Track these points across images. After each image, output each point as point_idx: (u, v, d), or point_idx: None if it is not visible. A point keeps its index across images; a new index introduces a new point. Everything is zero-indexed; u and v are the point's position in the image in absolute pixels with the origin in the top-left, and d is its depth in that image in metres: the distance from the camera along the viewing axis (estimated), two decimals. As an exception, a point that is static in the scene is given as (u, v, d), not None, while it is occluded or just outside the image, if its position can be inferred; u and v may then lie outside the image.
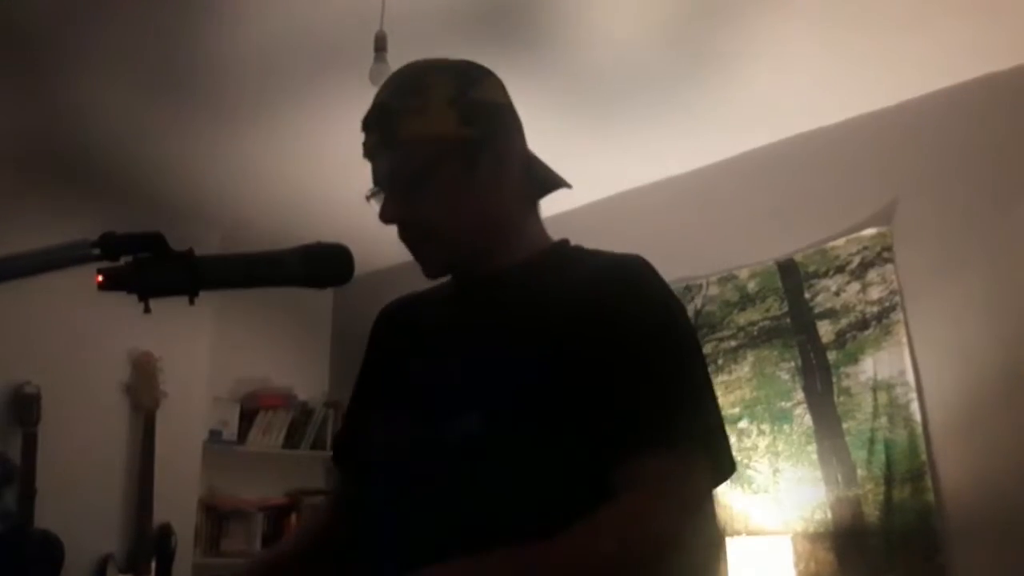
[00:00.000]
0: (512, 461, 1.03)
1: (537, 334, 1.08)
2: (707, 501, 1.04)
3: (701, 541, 1.02)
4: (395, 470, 1.13)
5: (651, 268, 1.13)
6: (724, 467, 1.06)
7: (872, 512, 3.09)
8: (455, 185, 1.15)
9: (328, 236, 1.16)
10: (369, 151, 1.19)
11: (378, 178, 1.18)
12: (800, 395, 3.35)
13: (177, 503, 4.02)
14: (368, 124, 1.18)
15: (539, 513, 1.01)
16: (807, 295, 3.41)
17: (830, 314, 3.33)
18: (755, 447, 3.40)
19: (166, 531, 3.89)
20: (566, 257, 1.22)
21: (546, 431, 1.03)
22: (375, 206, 1.18)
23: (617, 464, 1.01)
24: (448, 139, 1.14)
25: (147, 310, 0.98)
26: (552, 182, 1.24)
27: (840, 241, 3.35)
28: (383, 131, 1.16)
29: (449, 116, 1.14)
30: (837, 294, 3.33)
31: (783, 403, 3.38)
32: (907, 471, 3.05)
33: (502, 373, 1.08)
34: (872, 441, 3.14)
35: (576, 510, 0.97)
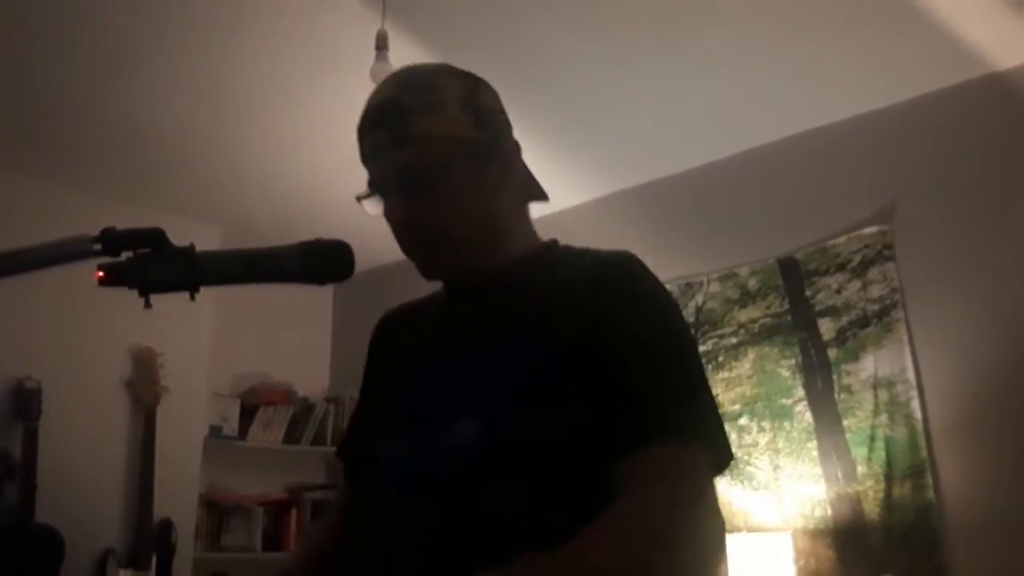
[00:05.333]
0: (513, 468, 1.03)
1: (530, 336, 1.08)
2: (710, 490, 1.02)
3: (706, 528, 1.00)
4: (398, 482, 1.13)
5: (641, 264, 1.13)
6: (723, 455, 1.06)
7: (872, 509, 3.10)
8: (466, 187, 1.13)
9: (329, 232, 1.17)
10: (375, 149, 1.14)
11: (385, 177, 1.15)
12: (801, 392, 3.36)
13: (178, 498, 4.03)
14: (373, 121, 1.14)
15: (544, 520, 1.01)
16: (808, 293, 3.41)
17: (831, 312, 3.33)
18: (756, 444, 3.40)
19: (167, 526, 3.90)
20: (555, 257, 1.21)
21: (545, 434, 1.03)
22: (367, 209, 1.16)
23: (618, 459, 1.00)
24: (463, 140, 1.13)
25: (148, 306, 0.98)
26: (535, 190, 1.24)
27: (841, 239, 3.35)
28: (393, 128, 1.12)
29: (464, 118, 1.13)
30: (838, 292, 3.33)
31: (784, 400, 3.38)
32: (907, 468, 3.05)
33: (497, 377, 1.08)
34: (872, 438, 3.14)
35: (581, 514, 0.96)
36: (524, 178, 1.22)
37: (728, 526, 3.32)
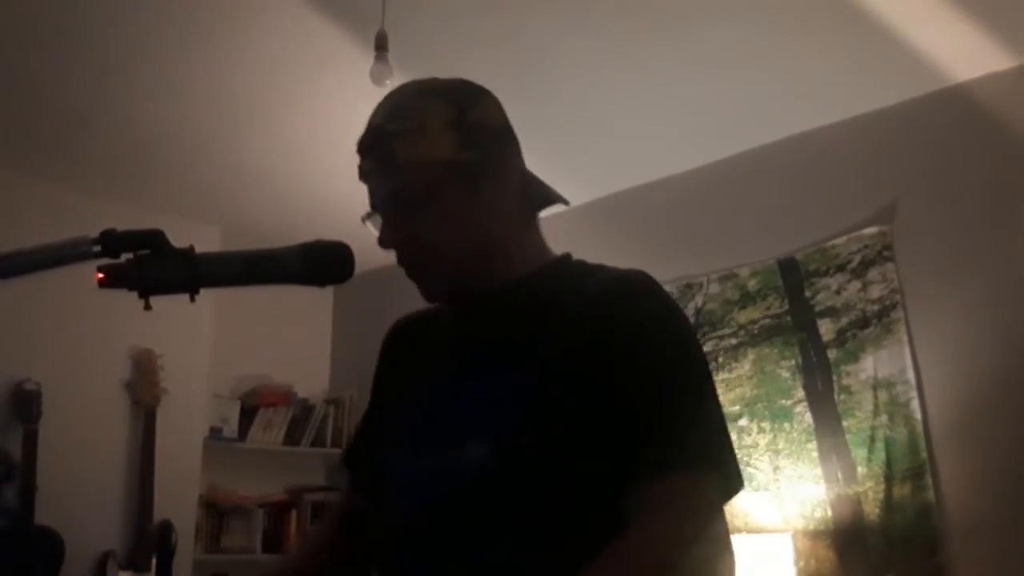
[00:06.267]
0: (519, 491, 1.03)
1: (540, 356, 1.08)
2: (718, 520, 1.04)
3: (710, 553, 1.01)
4: (404, 498, 1.12)
5: (655, 284, 1.12)
6: (733, 483, 1.06)
7: (872, 510, 3.10)
8: (454, 208, 1.12)
9: (329, 234, 1.17)
10: (365, 175, 1.16)
11: (375, 202, 1.16)
12: (800, 393, 3.35)
13: (178, 500, 4.02)
14: (363, 148, 1.16)
15: (551, 544, 1.01)
16: (808, 293, 3.41)
17: (831, 312, 3.33)
18: (755, 445, 3.40)
19: (167, 528, 3.89)
20: (568, 273, 1.20)
21: (555, 459, 1.02)
22: (372, 229, 1.17)
23: (629, 487, 1.00)
24: (447, 162, 1.11)
25: (148, 307, 0.98)
26: (548, 198, 1.22)
27: (841, 239, 3.35)
28: (379, 155, 1.13)
29: (447, 139, 1.11)
30: (838, 292, 3.33)
31: (783, 401, 3.38)
32: (907, 469, 3.05)
33: (507, 398, 1.07)
34: (872, 439, 3.14)
35: (586, 539, 0.97)
36: (529, 189, 1.20)
37: (728, 527, 3.33)
